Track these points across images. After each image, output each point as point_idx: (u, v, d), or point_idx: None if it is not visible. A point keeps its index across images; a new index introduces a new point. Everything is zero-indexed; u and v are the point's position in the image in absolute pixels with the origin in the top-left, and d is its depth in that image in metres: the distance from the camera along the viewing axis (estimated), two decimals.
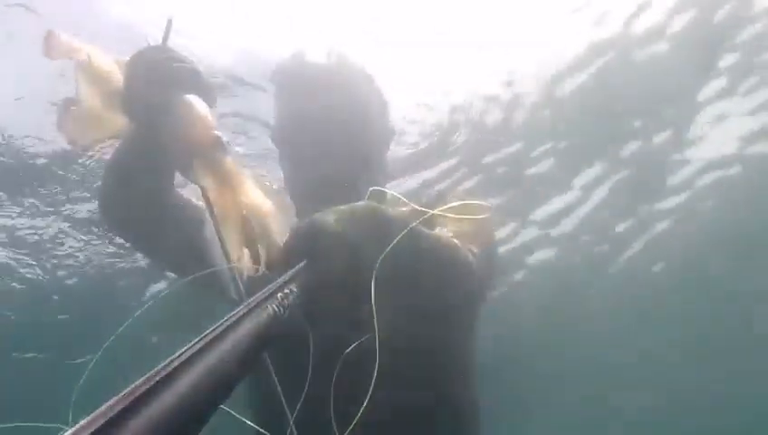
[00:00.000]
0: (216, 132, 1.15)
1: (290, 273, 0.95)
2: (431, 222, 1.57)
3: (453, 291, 1.42)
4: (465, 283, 1.42)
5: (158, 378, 0.52)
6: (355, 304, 1.07)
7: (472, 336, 1.60)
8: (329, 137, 1.59)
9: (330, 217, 1.12)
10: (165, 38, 1.16)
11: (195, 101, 1.13)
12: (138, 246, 1.57)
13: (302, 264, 1.01)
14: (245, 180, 1.19)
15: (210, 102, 1.15)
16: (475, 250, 1.49)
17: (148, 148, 1.21)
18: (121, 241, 1.57)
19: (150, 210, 1.39)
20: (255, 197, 1.18)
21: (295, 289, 0.90)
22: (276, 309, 0.80)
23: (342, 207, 1.16)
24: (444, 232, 1.48)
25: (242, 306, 0.73)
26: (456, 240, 1.44)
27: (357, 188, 1.57)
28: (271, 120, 1.80)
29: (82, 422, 0.42)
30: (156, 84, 1.11)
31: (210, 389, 0.61)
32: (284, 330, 0.82)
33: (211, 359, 0.61)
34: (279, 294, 0.84)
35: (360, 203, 1.20)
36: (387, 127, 1.78)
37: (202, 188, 1.16)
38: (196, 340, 0.61)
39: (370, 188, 1.29)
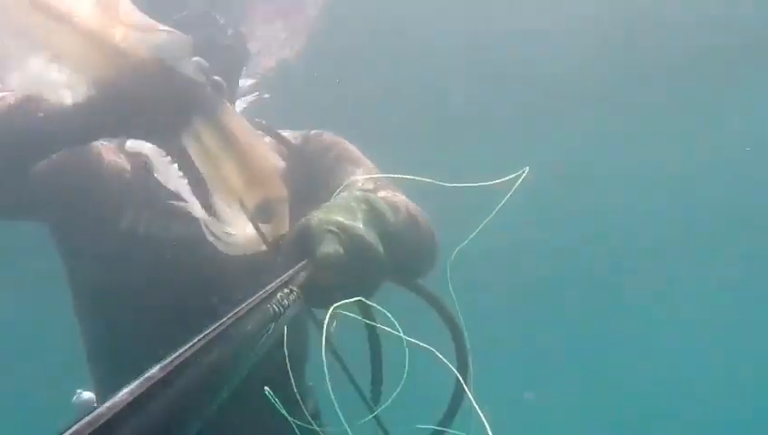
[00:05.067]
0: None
1: (290, 272, 0.93)
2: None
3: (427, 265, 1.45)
4: (435, 252, 1.48)
5: (156, 378, 0.51)
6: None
7: None
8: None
9: (322, 214, 1.10)
10: None
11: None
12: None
13: (302, 263, 1.00)
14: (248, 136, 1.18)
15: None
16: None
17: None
18: None
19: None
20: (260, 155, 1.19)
21: (295, 289, 0.88)
22: (276, 309, 0.79)
23: (332, 202, 1.14)
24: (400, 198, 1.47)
25: (242, 306, 0.72)
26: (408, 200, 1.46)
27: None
28: None
29: (79, 424, 0.41)
30: None
31: (209, 388, 0.60)
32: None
33: (211, 359, 0.60)
34: (279, 294, 0.83)
35: (348, 194, 1.19)
36: (240, 46, 1.74)
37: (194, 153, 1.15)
38: (196, 339, 0.60)
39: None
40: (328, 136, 1.77)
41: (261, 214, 1.21)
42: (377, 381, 1.22)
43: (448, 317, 1.22)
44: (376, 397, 1.11)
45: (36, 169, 1.45)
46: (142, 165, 1.29)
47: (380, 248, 1.08)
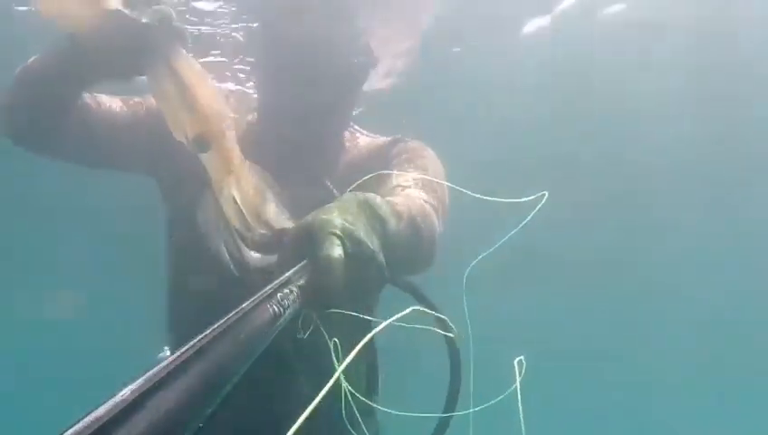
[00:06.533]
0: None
1: (289, 273, 0.94)
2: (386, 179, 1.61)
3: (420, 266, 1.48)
4: (431, 257, 1.50)
5: (156, 379, 0.52)
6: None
7: None
8: (315, 63, 1.65)
9: (325, 215, 1.11)
10: None
11: None
12: (42, 152, 1.68)
13: (302, 263, 1.00)
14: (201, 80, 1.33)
15: None
16: (435, 203, 1.55)
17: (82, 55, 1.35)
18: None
19: (62, 117, 1.54)
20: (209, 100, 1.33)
21: (295, 289, 0.89)
22: (276, 309, 0.80)
23: (335, 204, 1.15)
24: (409, 196, 1.50)
25: (241, 306, 0.73)
26: (424, 203, 1.49)
27: (330, 120, 1.74)
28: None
29: (78, 425, 0.42)
30: None
31: (208, 389, 0.61)
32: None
33: (210, 359, 0.61)
34: (279, 294, 0.84)
35: (351, 196, 1.20)
36: (370, 56, 1.81)
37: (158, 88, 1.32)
38: (195, 340, 0.61)
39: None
40: (413, 142, 1.83)
41: (199, 146, 1.33)
42: (373, 387, 1.24)
43: (438, 318, 1.23)
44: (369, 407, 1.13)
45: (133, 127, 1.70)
46: None
47: (381, 255, 1.09)
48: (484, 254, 1.26)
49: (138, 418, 0.47)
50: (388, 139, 1.87)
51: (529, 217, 1.21)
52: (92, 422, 0.42)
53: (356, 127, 1.93)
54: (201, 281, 1.66)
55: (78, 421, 0.43)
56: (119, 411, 0.45)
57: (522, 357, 1.05)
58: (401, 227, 1.25)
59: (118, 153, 1.74)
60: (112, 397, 0.47)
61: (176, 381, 0.54)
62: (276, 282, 0.87)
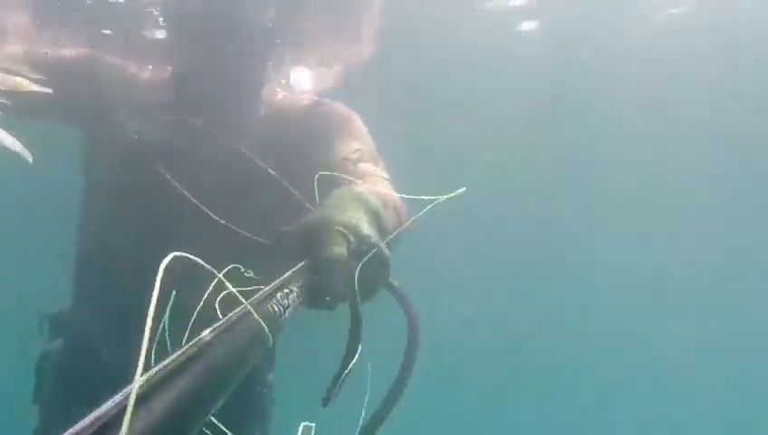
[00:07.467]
0: None
1: (289, 273, 0.94)
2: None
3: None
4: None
5: (157, 378, 0.51)
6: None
7: None
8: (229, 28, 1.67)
9: (326, 214, 1.11)
10: None
11: None
12: None
13: (301, 263, 1.00)
14: None
15: None
16: (389, 177, 1.58)
17: None
18: None
19: None
20: None
21: (296, 289, 0.89)
22: (276, 309, 0.80)
23: (332, 202, 1.15)
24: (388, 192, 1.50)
25: (242, 306, 0.73)
26: (387, 182, 1.52)
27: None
28: None
29: (81, 424, 0.42)
30: None
31: (210, 388, 0.60)
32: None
33: (211, 358, 0.61)
34: (279, 294, 0.84)
35: (343, 191, 1.21)
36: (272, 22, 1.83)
37: None
38: (196, 340, 0.60)
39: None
40: (338, 106, 1.83)
41: None
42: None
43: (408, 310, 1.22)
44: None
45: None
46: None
47: (386, 249, 1.10)
48: (374, 250, 1.22)
49: (137, 419, 0.47)
50: (312, 99, 1.89)
51: (431, 205, 1.20)
52: (93, 422, 0.42)
53: (277, 88, 1.95)
54: (123, 235, 1.68)
55: (77, 422, 0.42)
56: (117, 412, 0.45)
57: (313, 425, 1.01)
58: (388, 216, 1.26)
59: (57, 103, 1.68)
60: (113, 397, 0.47)
61: (173, 384, 0.53)
62: (276, 282, 0.87)
